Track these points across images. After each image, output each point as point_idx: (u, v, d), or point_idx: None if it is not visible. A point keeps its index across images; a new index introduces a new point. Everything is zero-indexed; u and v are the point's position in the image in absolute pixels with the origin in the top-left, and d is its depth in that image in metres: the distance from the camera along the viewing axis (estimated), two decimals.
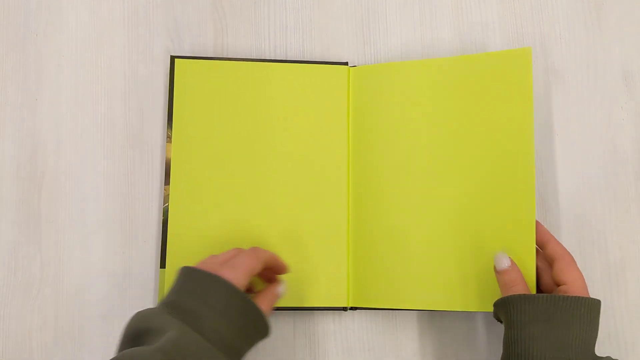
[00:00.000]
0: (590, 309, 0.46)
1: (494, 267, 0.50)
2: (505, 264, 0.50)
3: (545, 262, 0.52)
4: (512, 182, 0.53)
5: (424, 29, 0.63)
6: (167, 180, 0.57)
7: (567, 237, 0.59)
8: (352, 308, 0.56)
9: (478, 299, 0.53)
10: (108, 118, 0.60)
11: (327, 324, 0.57)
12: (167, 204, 0.57)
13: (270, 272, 0.52)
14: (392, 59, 0.62)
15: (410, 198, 0.56)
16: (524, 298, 0.46)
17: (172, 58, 0.59)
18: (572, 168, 0.60)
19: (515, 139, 0.53)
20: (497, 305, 0.49)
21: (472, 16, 0.63)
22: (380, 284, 0.55)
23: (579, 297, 0.46)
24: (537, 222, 0.52)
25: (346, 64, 0.60)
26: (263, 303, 0.48)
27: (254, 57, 0.61)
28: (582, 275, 0.49)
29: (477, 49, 0.62)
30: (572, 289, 0.48)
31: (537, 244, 0.51)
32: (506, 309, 0.47)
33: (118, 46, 0.61)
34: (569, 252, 0.50)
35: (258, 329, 0.47)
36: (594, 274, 0.58)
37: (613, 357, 0.46)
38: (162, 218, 0.57)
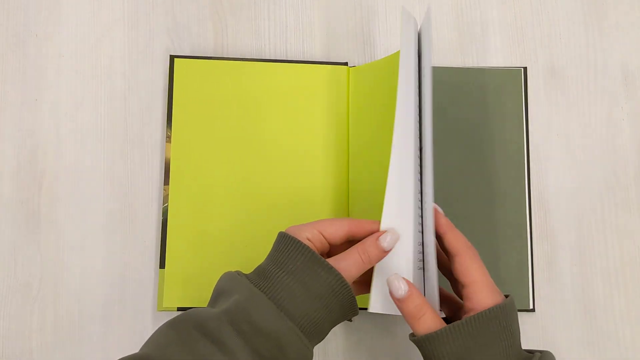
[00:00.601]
0: (506, 314, 0.41)
1: (390, 294, 0.42)
2: (403, 289, 0.41)
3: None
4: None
5: None
6: (166, 180, 0.57)
7: (567, 237, 0.59)
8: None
9: None
10: (108, 118, 0.60)
11: None
12: (166, 204, 0.57)
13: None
14: None
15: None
16: (439, 337, 0.40)
17: (172, 58, 0.59)
18: (572, 168, 0.60)
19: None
20: (413, 341, 0.43)
21: (472, 16, 0.63)
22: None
23: (491, 310, 0.40)
24: (437, 212, 0.45)
25: (346, 64, 0.60)
26: (342, 262, 0.42)
27: (254, 57, 0.61)
28: (486, 270, 0.43)
29: (477, 49, 0.62)
30: (477, 289, 0.42)
31: (436, 236, 0.45)
32: (422, 349, 0.41)
33: (118, 46, 0.61)
34: (469, 245, 0.44)
35: (337, 295, 0.41)
36: (594, 274, 0.58)
37: (546, 350, 0.43)
38: (161, 218, 0.57)
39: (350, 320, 0.44)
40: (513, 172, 0.59)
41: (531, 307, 0.57)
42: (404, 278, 0.42)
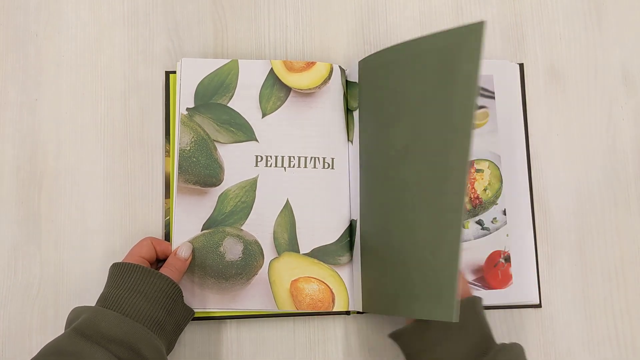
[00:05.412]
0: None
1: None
2: None
3: None
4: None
5: (424, 29, 0.63)
6: (167, 194, 0.57)
7: (567, 237, 0.59)
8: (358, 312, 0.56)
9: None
10: (108, 118, 0.60)
11: (327, 324, 0.57)
12: (168, 217, 0.57)
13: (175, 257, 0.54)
14: None
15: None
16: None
17: (167, 74, 0.59)
18: (572, 168, 0.60)
19: None
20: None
21: (472, 16, 0.63)
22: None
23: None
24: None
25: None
26: (164, 271, 0.52)
27: (254, 57, 0.61)
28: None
29: None
30: None
31: None
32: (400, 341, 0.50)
33: (118, 46, 0.61)
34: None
35: (170, 296, 0.49)
36: (594, 274, 0.58)
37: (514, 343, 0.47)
38: (164, 231, 0.57)
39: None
40: (458, 144, 0.44)
41: (537, 302, 0.56)
42: None
